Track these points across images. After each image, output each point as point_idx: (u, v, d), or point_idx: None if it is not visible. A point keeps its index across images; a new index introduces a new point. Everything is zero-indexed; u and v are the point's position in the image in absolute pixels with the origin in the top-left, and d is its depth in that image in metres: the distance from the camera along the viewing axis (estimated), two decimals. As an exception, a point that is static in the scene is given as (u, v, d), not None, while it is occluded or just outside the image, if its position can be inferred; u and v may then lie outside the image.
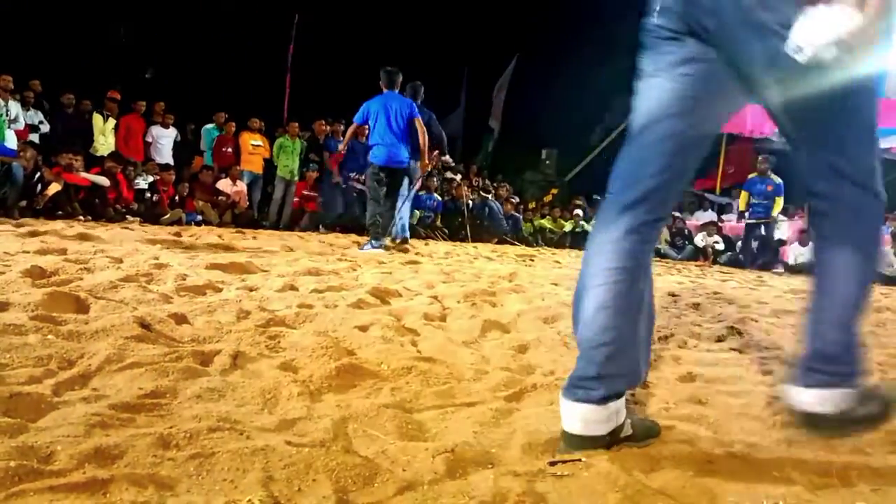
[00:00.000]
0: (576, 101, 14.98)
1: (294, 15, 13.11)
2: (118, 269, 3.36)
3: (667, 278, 6.34)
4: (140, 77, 12.12)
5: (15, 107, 8.35)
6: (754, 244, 9.96)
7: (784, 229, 11.62)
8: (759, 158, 9.93)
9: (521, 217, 11.95)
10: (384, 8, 13.92)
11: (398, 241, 7.04)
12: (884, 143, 12.86)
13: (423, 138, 6.60)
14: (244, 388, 1.69)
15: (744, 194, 10.01)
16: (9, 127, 8.07)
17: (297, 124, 10.33)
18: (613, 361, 1.37)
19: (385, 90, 6.63)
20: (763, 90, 1.36)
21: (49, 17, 11.58)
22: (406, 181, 6.99)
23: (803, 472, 1.41)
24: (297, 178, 10.14)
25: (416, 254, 6.67)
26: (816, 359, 1.47)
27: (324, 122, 10.54)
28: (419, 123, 6.56)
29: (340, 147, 7.54)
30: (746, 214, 10.01)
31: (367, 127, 6.75)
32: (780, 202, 9.75)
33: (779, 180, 9.69)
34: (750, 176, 10.09)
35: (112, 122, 9.48)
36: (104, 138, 9.40)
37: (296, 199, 10.14)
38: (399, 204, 6.95)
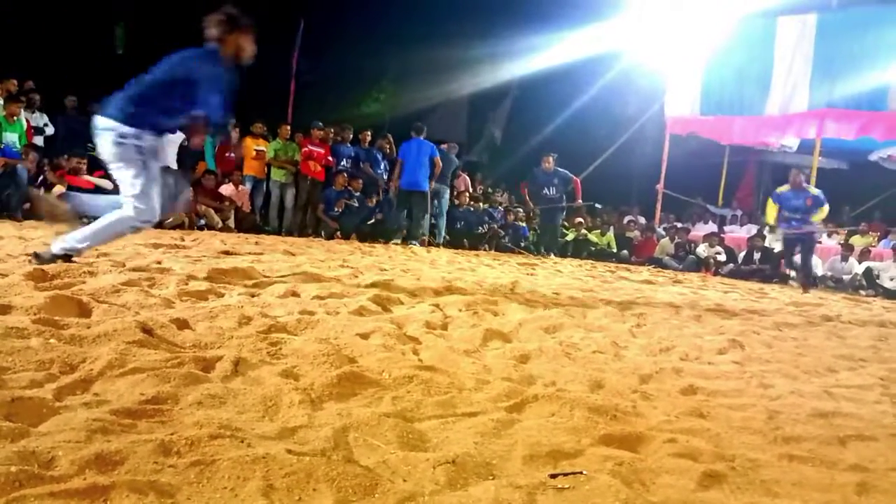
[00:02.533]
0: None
1: (299, 21, 13.17)
2: (120, 272, 3.37)
3: (668, 289, 6.33)
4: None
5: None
6: (796, 260, 8.80)
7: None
8: (793, 171, 8.66)
9: (522, 226, 11.96)
10: (388, 13, 13.98)
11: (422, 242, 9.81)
12: (885, 153, 12.91)
13: (438, 170, 9.83)
14: (245, 394, 1.69)
15: (772, 207, 8.62)
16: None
17: (287, 127, 10.36)
18: None
19: (413, 136, 9.81)
20: None
21: (50, 19, 11.63)
22: (434, 202, 10.12)
23: (804, 487, 1.41)
24: (291, 180, 10.15)
25: (419, 260, 6.69)
26: None
27: (319, 128, 10.52)
28: (437, 161, 9.76)
29: (392, 190, 10.28)
30: (778, 230, 8.87)
31: (401, 161, 9.94)
32: (824, 211, 8.44)
33: (817, 191, 8.51)
34: (780, 190, 8.71)
35: None
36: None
37: (305, 150, 10.08)
38: (428, 220, 10.13)
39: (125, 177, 3.55)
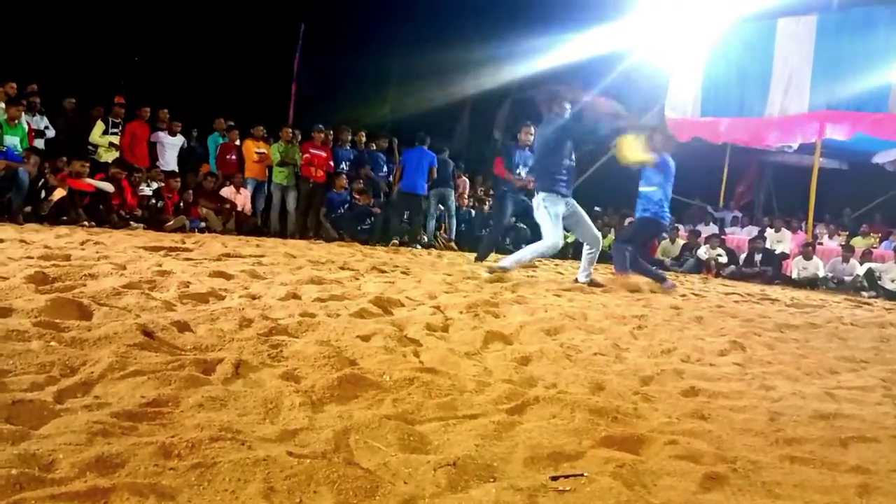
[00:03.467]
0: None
1: (300, 24, 13.20)
2: (121, 275, 3.37)
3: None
4: (144, 83, 12.12)
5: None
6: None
7: (787, 243, 11.60)
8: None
9: (524, 228, 11.97)
10: (390, 16, 14.00)
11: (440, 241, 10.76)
12: (889, 156, 12.89)
13: (433, 177, 10.36)
14: (246, 397, 1.69)
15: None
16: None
17: (289, 129, 10.34)
18: None
19: (417, 145, 10.29)
20: None
21: (51, 21, 11.63)
22: (431, 204, 10.68)
23: (806, 489, 1.41)
24: (293, 183, 10.13)
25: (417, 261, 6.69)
26: None
27: (320, 131, 10.50)
28: (433, 170, 10.30)
29: (394, 186, 10.65)
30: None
31: (402, 166, 10.42)
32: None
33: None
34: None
35: (109, 138, 9.42)
36: (104, 147, 9.40)
37: (306, 156, 10.04)
38: (432, 223, 10.82)
39: (546, 223, 5.54)
